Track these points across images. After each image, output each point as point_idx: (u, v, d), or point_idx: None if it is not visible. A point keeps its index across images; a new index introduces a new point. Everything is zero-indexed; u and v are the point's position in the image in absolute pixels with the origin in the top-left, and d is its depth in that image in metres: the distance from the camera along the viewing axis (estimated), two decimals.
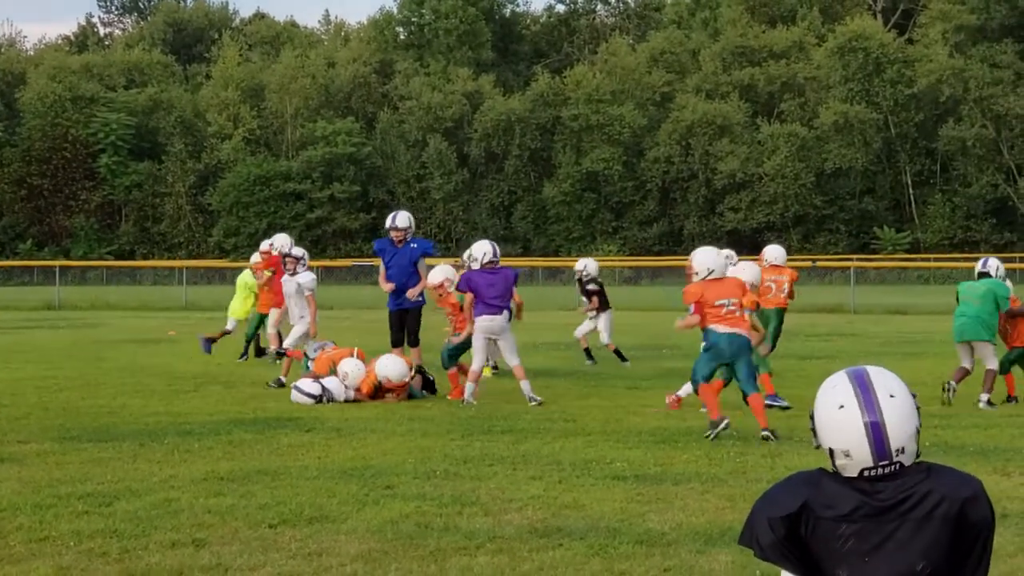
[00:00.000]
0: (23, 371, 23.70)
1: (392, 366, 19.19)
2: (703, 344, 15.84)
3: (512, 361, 18.89)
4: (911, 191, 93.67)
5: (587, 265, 26.72)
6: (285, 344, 21.30)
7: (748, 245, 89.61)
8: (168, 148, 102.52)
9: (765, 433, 14.80)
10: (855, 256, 79.90)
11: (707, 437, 14.79)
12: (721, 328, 15.40)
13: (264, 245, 24.58)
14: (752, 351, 15.73)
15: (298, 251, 21.44)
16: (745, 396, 15.61)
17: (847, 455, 4.46)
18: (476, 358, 18.85)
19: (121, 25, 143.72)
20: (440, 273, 19.99)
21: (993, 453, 13.72)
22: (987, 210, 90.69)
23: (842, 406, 4.48)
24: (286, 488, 11.79)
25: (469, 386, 18.79)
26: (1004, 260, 20.91)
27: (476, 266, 19.27)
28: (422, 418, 16.97)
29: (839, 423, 4.47)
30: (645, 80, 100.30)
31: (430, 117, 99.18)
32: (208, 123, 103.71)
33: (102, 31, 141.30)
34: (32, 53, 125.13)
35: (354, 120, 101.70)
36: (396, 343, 20.35)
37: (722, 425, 14.87)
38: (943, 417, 16.57)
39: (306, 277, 20.89)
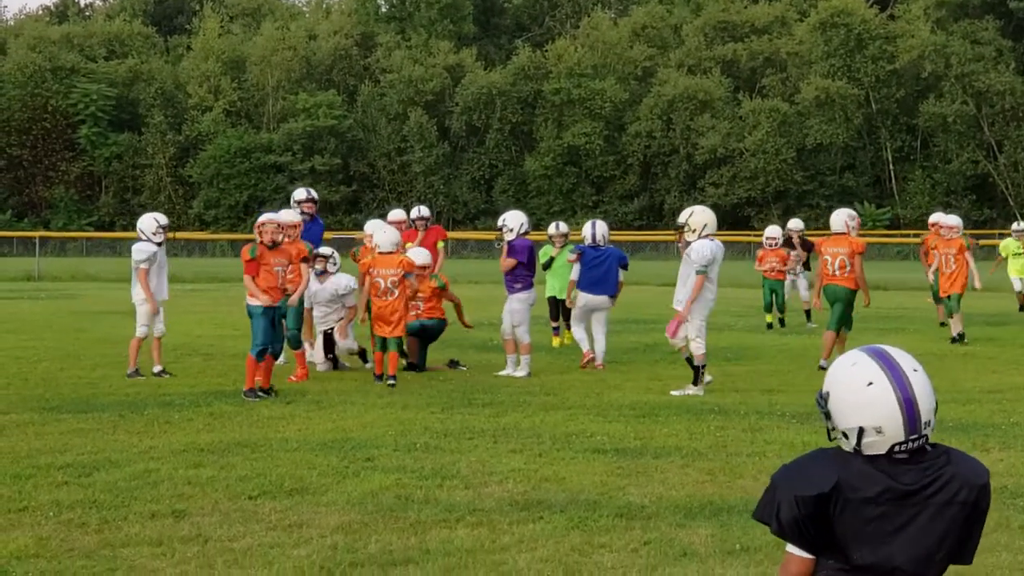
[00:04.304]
0: (3, 342, 23.62)
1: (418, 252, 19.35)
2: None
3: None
4: (891, 167, 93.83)
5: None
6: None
7: (729, 220, 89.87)
8: (148, 120, 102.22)
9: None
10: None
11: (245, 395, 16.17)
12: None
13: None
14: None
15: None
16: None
17: (879, 432, 4.39)
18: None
19: None
20: (423, 256, 19.78)
21: (972, 428, 13.74)
22: (967, 186, 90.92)
23: (871, 383, 4.39)
24: (266, 460, 11.78)
25: (527, 358, 19.19)
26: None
27: (512, 236, 19.40)
28: (402, 391, 16.96)
29: (870, 399, 4.39)
30: (627, 55, 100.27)
31: (411, 90, 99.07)
32: (189, 95, 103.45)
33: (82, 2, 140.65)
34: (12, 23, 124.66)
35: (335, 93, 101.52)
36: None
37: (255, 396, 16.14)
38: None
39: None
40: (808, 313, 28.19)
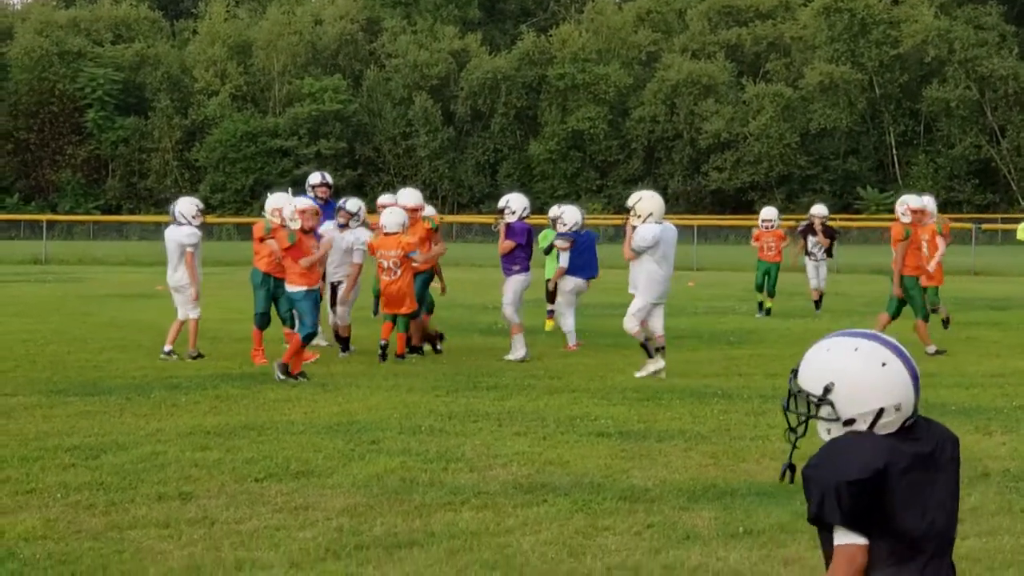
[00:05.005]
0: (10, 325, 23.70)
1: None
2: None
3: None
4: (895, 152, 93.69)
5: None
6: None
7: (732, 204, 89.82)
8: (155, 104, 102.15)
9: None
10: (839, 216, 79.74)
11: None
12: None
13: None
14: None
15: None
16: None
17: (898, 409, 4.43)
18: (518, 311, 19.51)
19: None
20: (415, 197, 19.98)
21: (975, 412, 13.80)
22: (970, 171, 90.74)
23: (885, 363, 4.44)
24: (272, 443, 11.84)
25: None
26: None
27: (514, 219, 19.52)
28: (407, 374, 17.02)
29: (888, 379, 4.43)
30: (631, 39, 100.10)
31: (416, 75, 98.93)
32: (195, 79, 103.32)
33: None
34: (19, 7, 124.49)
35: (341, 77, 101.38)
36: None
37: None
38: (926, 376, 16.59)
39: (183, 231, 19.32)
40: (818, 302, 27.90)
